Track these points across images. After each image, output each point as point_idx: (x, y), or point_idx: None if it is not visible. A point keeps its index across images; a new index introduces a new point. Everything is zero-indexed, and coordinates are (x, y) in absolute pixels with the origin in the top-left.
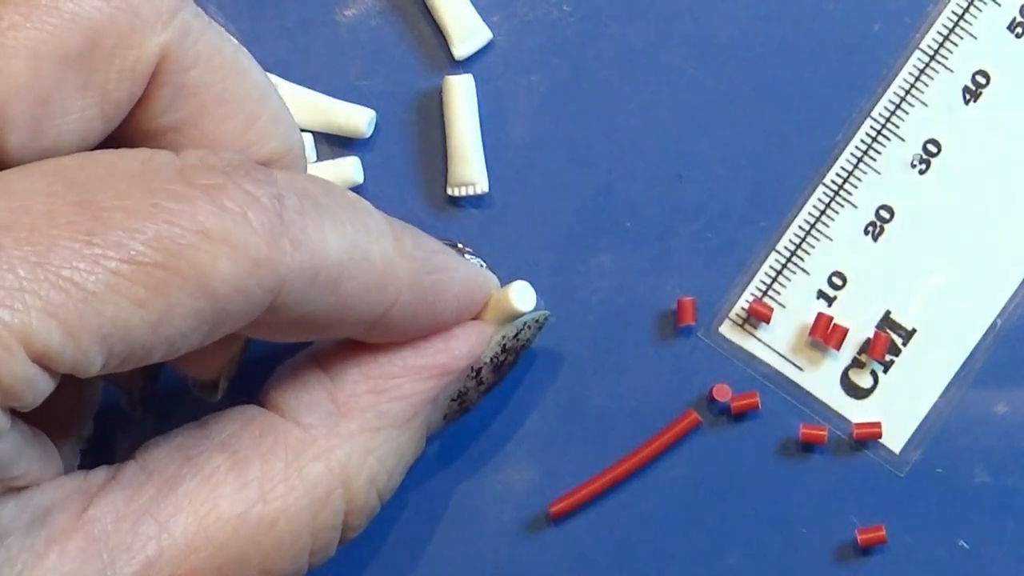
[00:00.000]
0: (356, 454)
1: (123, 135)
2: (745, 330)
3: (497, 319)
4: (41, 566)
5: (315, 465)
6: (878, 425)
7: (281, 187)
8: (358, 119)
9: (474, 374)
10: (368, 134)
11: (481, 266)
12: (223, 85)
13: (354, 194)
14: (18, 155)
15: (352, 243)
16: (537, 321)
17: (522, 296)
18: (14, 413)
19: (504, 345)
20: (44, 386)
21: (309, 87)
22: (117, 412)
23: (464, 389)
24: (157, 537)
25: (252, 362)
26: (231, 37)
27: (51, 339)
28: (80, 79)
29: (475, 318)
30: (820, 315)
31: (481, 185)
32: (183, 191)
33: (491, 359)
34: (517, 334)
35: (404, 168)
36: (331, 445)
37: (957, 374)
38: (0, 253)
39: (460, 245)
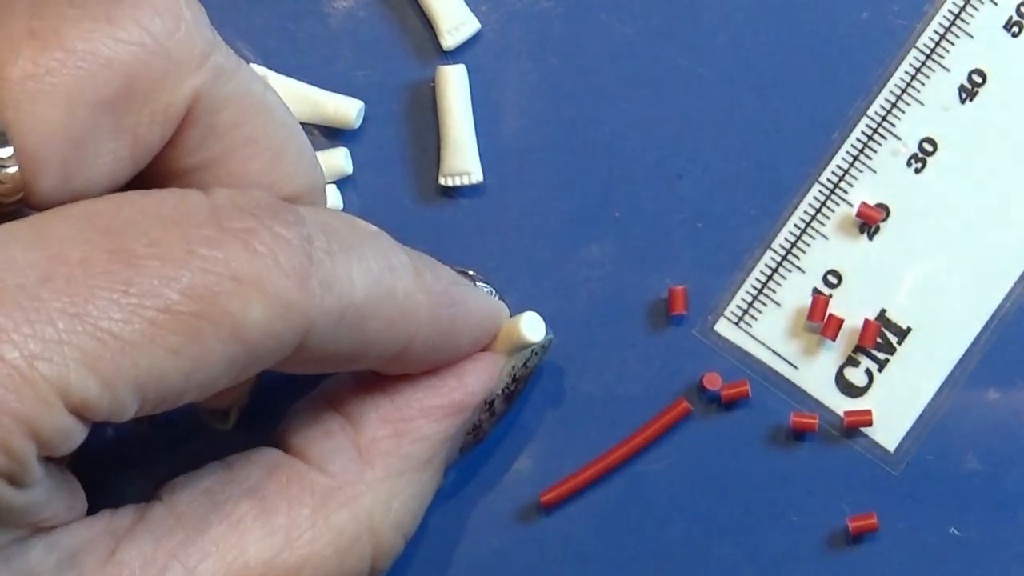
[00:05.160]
0: (381, 500)
1: (151, 173)
2: (740, 327)
3: (506, 349)
4: None
5: (341, 512)
6: (868, 413)
7: (309, 226)
8: (347, 110)
9: (487, 407)
10: (357, 125)
11: (492, 294)
12: (252, 125)
13: (374, 226)
14: (48, 197)
15: (376, 280)
16: (544, 347)
17: (532, 327)
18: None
19: (514, 375)
20: (79, 435)
21: (298, 78)
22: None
23: (478, 422)
24: None
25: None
26: (259, 75)
27: (89, 391)
28: (113, 122)
29: (484, 347)
30: (816, 299)
31: (475, 175)
32: (216, 236)
33: (503, 390)
34: (526, 362)
35: (393, 159)
36: (356, 492)
37: (952, 373)
38: (39, 306)
39: (472, 273)
